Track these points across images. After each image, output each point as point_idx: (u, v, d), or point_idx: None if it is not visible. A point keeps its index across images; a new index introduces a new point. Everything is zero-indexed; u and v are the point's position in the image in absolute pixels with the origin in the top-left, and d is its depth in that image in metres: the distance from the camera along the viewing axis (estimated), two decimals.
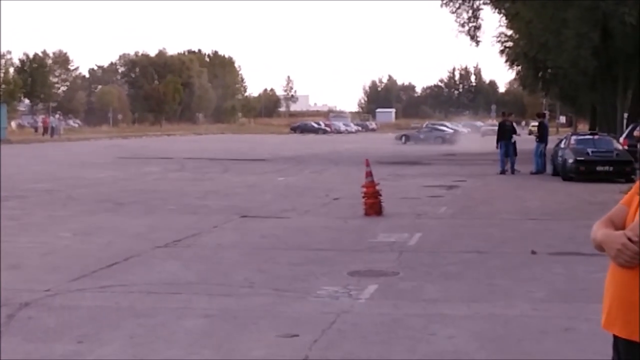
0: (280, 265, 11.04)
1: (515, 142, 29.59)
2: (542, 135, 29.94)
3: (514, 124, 31.42)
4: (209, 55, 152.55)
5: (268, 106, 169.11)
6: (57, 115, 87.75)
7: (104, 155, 43.62)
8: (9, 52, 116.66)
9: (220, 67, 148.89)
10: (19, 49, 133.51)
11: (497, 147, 29.81)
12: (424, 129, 77.93)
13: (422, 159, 40.05)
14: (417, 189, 22.73)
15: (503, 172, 28.84)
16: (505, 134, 29.60)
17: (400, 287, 9.59)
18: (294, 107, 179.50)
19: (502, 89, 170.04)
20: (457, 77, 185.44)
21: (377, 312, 8.36)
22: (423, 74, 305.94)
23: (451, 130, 77.21)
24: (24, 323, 7.85)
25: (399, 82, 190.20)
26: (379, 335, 7.52)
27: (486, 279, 10.08)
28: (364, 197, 16.59)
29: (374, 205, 16.43)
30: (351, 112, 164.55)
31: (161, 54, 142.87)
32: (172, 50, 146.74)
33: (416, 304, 8.72)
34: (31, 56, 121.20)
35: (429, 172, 30.31)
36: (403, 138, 71.74)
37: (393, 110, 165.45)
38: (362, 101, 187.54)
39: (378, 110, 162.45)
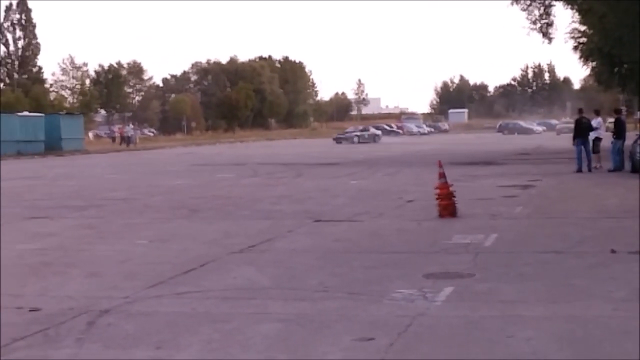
0: (354, 268, 11.02)
1: (599, 138, 29.20)
2: (619, 132, 29.34)
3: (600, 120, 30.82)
4: (279, 61, 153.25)
5: (340, 110, 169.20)
6: (131, 125, 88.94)
7: (178, 163, 44.12)
8: (85, 64, 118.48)
9: (291, 72, 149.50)
10: (94, 60, 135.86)
11: (573, 145, 29.40)
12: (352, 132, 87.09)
13: (495, 159, 39.70)
14: (491, 190, 22.53)
15: (580, 170, 28.44)
16: (581, 131, 29.20)
17: (477, 289, 9.50)
18: (365, 110, 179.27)
19: (577, 85, 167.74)
20: (530, 75, 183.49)
21: (453, 314, 8.29)
22: (495, 73, 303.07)
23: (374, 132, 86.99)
24: (103, 330, 7.96)
25: (471, 82, 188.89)
26: (456, 337, 7.46)
27: (564, 279, 9.93)
28: (437, 198, 16.49)
29: (448, 207, 16.32)
30: (423, 114, 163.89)
31: (232, 61, 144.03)
32: (243, 57, 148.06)
33: (493, 306, 8.62)
34: (106, 67, 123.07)
35: (503, 172, 30.02)
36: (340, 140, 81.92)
37: (465, 110, 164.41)
38: (434, 102, 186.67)
39: (450, 110, 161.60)
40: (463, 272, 10.54)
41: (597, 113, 31.48)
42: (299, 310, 8.58)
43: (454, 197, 16.53)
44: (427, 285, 9.67)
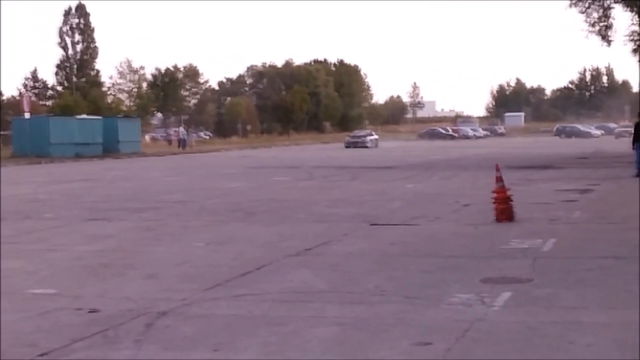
0: (411, 272, 10.98)
1: None
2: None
3: None
4: (334, 64, 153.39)
5: (394, 113, 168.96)
6: (181, 128, 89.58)
7: (234, 166, 44.32)
8: (142, 68, 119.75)
9: (346, 75, 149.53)
10: (151, 64, 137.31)
11: (632, 149, 28.99)
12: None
13: (553, 163, 39.33)
14: (549, 194, 22.33)
15: (639, 174, 28.05)
16: None
17: (535, 294, 9.40)
18: (420, 114, 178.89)
19: (635, 88, 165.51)
20: (588, 78, 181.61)
21: (512, 319, 8.21)
22: (552, 76, 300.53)
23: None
24: (162, 331, 8.01)
25: (528, 85, 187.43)
26: (515, 343, 7.38)
27: (624, 285, 9.79)
28: (494, 202, 16.37)
29: (505, 211, 16.19)
30: (479, 117, 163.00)
31: (288, 64, 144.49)
32: (298, 61, 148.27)
33: (552, 311, 8.53)
34: (163, 71, 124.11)
35: (561, 176, 29.73)
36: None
37: (522, 114, 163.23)
38: (490, 105, 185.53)
39: (506, 114, 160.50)
40: (521, 277, 10.44)
41: None
42: (355, 314, 8.56)
43: (512, 201, 16.39)
44: (484, 290, 9.60)
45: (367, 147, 78.62)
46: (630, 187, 24.36)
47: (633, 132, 29.94)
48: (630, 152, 29.72)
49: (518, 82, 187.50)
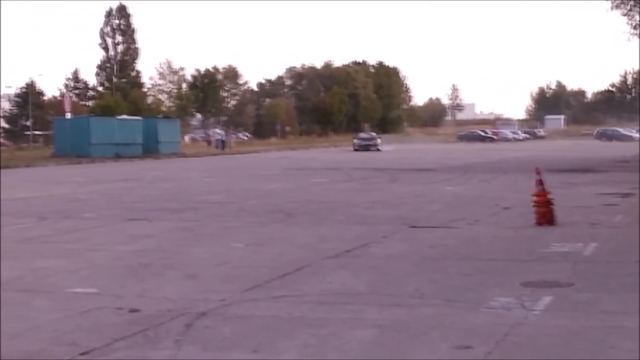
0: (450, 275, 10.93)
1: None
2: None
3: None
4: (374, 66, 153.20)
5: (434, 115, 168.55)
6: (217, 129, 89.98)
7: (273, 167, 44.41)
8: (182, 69, 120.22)
9: (386, 77, 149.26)
10: (191, 65, 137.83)
11: None
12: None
13: (594, 166, 39.02)
14: (590, 197, 22.14)
15: None
16: None
17: (576, 299, 9.33)
18: (460, 116, 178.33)
19: None
20: (629, 81, 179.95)
21: (552, 324, 8.15)
22: (594, 79, 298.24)
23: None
24: (201, 332, 8.04)
25: (569, 88, 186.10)
26: (555, 348, 7.33)
27: None
28: (535, 205, 16.27)
29: (545, 214, 16.08)
30: (519, 120, 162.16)
31: (327, 65, 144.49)
32: (338, 62, 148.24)
33: (593, 316, 8.46)
34: (203, 72, 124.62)
35: (602, 180, 29.48)
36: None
37: (562, 116, 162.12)
38: (530, 108, 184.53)
39: (547, 117, 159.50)
40: (562, 281, 10.37)
41: None
42: (395, 316, 8.54)
43: (552, 204, 16.28)
44: (525, 294, 9.54)
45: (379, 150, 77.09)
46: None
47: None
48: None
49: (559, 84, 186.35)
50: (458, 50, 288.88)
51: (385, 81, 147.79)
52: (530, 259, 12.22)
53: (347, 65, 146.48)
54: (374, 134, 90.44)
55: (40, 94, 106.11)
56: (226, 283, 10.57)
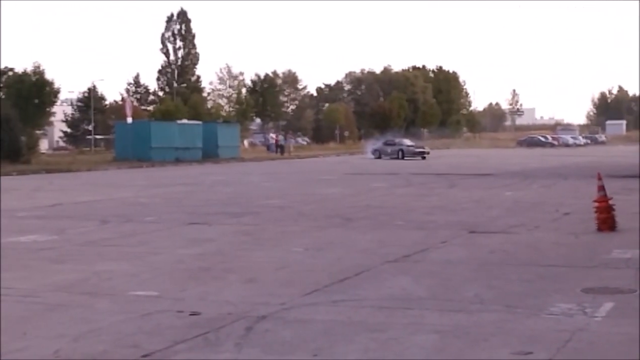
0: (510, 281, 10.87)
1: None
2: None
3: None
4: (433, 71, 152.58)
5: (493, 120, 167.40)
6: (272, 134, 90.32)
7: (331, 172, 44.46)
8: (242, 74, 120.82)
9: (445, 82, 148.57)
10: (250, 70, 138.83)
11: None
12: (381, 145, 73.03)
13: None
14: None
15: None
16: None
17: (638, 305, 9.22)
18: (519, 121, 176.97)
19: None
20: None
21: (614, 330, 8.07)
22: None
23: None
24: (261, 335, 8.08)
25: (630, 93, 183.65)
26: (617, 354, 7.26)
27: None
28: (596, 211, 16.10)
29: (607, 220, 15.91)
30: (579, 125, 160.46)
31: (386, 70, 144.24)
32: (397, 67, 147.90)
33: None
34: (262, 77, 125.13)
35: None
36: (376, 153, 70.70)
37: (624, 122, 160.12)
38: (591, 113, 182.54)
39: (608, 122, 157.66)
40: (624, 288, 10.26)
41: None
42: (455, 322, 8.52)
43: (614, 210, 16.10)
44: (586, 300, 9.45)
45: (424, 157, 66.51)
46: None
47: None
48: None
49: (620, 89, 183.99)
50: (518, 54, 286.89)
51: (444, 86, 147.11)
52: (591, 265, 12.11)
53: (406, 70, 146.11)
54: (405, 140, 75.11)
55: (102, 98, 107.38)
56: (286, 287, 10.62)
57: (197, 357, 7.38)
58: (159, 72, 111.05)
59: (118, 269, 12.23)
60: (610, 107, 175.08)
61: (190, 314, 9.02)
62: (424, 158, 66.34)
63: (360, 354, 7.38)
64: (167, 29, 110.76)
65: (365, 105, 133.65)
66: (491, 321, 8.53)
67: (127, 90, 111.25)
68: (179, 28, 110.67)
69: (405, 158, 66.99)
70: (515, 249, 13.87)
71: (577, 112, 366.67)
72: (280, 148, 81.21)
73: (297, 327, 8.39)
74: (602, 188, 16.13)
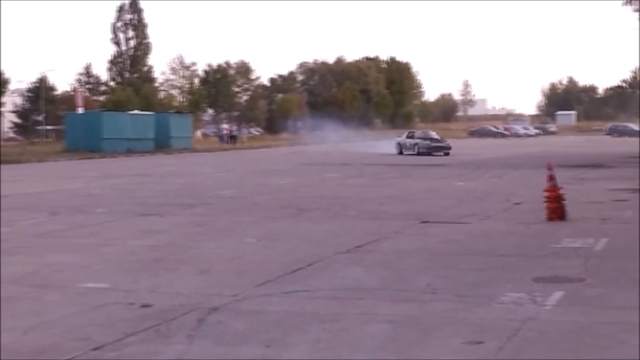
0: (462, 271, 10.94)
1: None
2: None
3: None
4: (386, 62, 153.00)
5: (445, 111, 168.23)
6: (225, 125, 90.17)
7: (285, 162, 44.43)
8: (194, 64, 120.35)
9: (397, 73, 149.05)
10: (203, 60, 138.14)
11: None
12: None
13: (605, 162, 38.94)
14: (601, 193, 22.12)
15: None
16: None
17: (588, 294, 9.33)
18: (471, 112, 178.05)
19: None
20: None
21: (564, 319, 8.16)
22: (605, 75, 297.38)
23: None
24: (213, 327, 8.06)
25: (580, 84, 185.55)
26: (567, 343, 7.34)
27: None
28: (546, 201, 16.26)
29: (557, 210, 16.07)
30: (530, 115, 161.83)
31: (339, 61, 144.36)
32: (350, 58, 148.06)
33: (605, 312, 8.46)
34: (215, 67, 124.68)
35: (613, 176, 29.41)
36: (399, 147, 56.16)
37: (574, 112, 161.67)
38: (541, 104, 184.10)
39: (558, 112, 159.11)
40: (573, 277, 10.37)
41: None
42: (407, 312, 8.56)
43: (564, 200, 16.27)
44: (536, 289, 9.55)
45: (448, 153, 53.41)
46: None
47: None
48: None
49: (570, 80, 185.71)
50: (470, 46, 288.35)
51: (397, 77, 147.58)
52: (541, 254, 12.22)
53: (359, 61, 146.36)
54: (433, 133, 62.03)
55: (52, 88, 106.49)
56: (238, 278, 10.60)
57: (148, 349, 7.34)
58: (111, 62, 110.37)
59: (69, 260, 12.13)
60: (560, 97, 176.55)
61: (142, 306, 8.97)
62: (447, 154, 53.31)
63: (313, 345, 7.39)
64: (118, 18, 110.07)
65: (318, 95, 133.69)
66: (443, 311, 8.59)
67: (78, 81, 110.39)
68: (131, 18, 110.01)
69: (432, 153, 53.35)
70: (466, 239, 13.96)
71: (528, 103, 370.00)
72: (233, 139, 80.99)
73: (249, 318, 8.38)
74: (552, 178, 16.29)
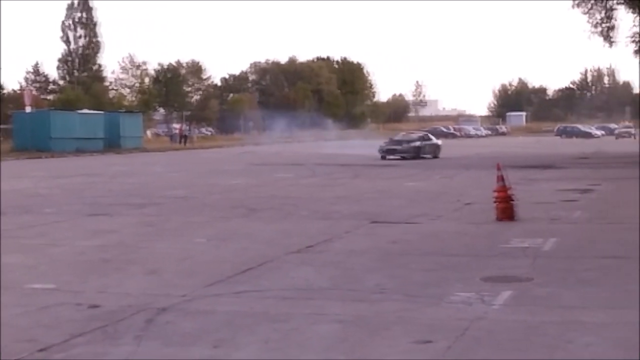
0: (412, 270, 10.98)
1: None
2: None
3: None
4: (338, 62, 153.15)
5: (397, 111, 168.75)
6: (176, 125, 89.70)
7: (236, 162, 44.32)
8: (145, 63, 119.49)
9: (350, 73, 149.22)
10: (154, 59, 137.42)
11: None
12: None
13: (555, 163, 39.33)
14: (550, 193, 22.34)
15: None
16: None
17: (535, 293, 9.41)
18: (423, 112, 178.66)
19: (637, 90, 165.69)
20: (589, 78, 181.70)
21: (512, 318, 8.22)
22: (555, 76, 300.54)
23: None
24: (162, 327, 8.01)
25: (530, 85, 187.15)
26: (515, 342, 7.39)
27: (625, 285, 9.79)
28: (496, 201, 16.38)
29: (506, 210, 16.20)
30: (481, 116, 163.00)
31: (291, 61, 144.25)
32: (302, 58, 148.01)
33: (552, 311, 8.53)
34: (166, 66, 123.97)
35: (562, 176, 29.73)
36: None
37: (524, 113, 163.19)
38: (492, 105, 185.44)
39: (509, 113, 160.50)
40: (522, 276, 10.45)
41: None
42: (356, 312, 8.57)
43: (513, 200, 16.40)
44: (485, 289, 9.61)
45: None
46: (630, 187, 24.34)
47: None
48: (628, 152, 29.73)
49: (520, 81, 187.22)
50: (422, 46, 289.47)
51: (349, 77, 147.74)
52: (490, 254, 12.31)
53: (312, 61, 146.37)
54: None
55: (0, 87, 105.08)
56: (188, 278, 10.55)
57: (95, 350, 7.28)
58: (60, 60, 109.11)
59: (15, 261, 11.98)
60: (510, 99, 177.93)
61: (90, 307, 8.89)
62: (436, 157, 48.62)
63: (262, 345, 7.37)
64: (67, 16, 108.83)
65: (270, 95, 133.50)
66: (392, 310, 8.61)
67: (27, 79, 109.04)
68: (80, 16, 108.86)
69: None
70: (417, 239, 14.02)
71: (479, 104, 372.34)
72: (184, 138, 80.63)
73: (198, 319, 8.34)
74: (501, 178, 16.42)
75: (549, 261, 11.60)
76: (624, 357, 6.92)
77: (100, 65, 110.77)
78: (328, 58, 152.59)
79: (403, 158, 46.43)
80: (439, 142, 50.27)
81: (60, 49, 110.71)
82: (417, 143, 48.41)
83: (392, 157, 47.04)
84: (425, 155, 46.87)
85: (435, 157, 47.39)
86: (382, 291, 9.59)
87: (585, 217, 16.97)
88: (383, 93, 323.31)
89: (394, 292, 9.55)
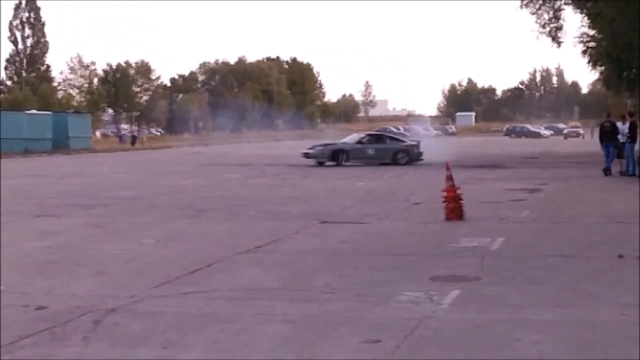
0: (361, 270, 11.01)
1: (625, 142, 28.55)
2: (633, 135, 28.73)
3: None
4: (287, 62, 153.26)
5: (347, 111, 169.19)
6: (124, 125, 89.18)
7: (185, 163, 44.11)
8: (93, 63, 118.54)
9: (299, 73, 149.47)
10: (102, 59, 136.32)
11: (601, 148, 29.66)
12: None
13: (503, 163, 39.63)
14: (498, 193, 22.50)
15: (605, 171, 28.48)
16: (606, 135, 29.30)
17: (483, 292, 9.48)
18: (372, 112, 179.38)
19: (584, 90, 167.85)
20: (538, 78, 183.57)
21: (459, 317, 8.28)
22: (503, 76, 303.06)
23: None
24: (110, 329, 7.96)
25: (479, 85, 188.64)
26: (462, 341, 7.44)
27: (572, 284, 9.90)
28: (444, 201, 16.47)
29: (455, 210, 16.30)
30: (430, 116, 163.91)
31: (241, 61, 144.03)
32: (251, 58, 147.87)
33: (500, 310, 8.60)
34: (114, 66, 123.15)
35: (511, 176, 29.96)
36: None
37: (473, 113, 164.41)
38: (442, 105, 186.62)
39: (458, 113, 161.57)
40: (470, 276, 10.52)
41: (631, 115, 31.12)
42: (305, 312, 8.58)
43: (461, 200, 16.50)
44: (433, 288, 9.66)
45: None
46: (578, 187, 24.65)
47: (599, 131, 30.46)
48: (576, 152, 30.07)
49: (469, 81, 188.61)
50: (371, 46, 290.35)
51: (298, 77, 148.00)
52: (439, 253, 12.38)
53: (261, 61, 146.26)
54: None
55: None
56: (136, 279, 10.49)
57: (42, 352, 7.22)
58: (7, 61, 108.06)
59: None
60: (459, 98, 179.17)
61: (37, 308, 8.81)
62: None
63: (210, 345, 7.35)
64: (15, 16, 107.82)
65: (219, 95, 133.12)
66: (341, 310, 8.63)
67: None
68: (28, 16, 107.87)
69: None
70: (366, 239, 14.05)
71: (429, 104, 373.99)
72: (132, 139, 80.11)
73: (146, 320, 8.29)
74: (450, 178, 16.52)
75: (497, 260, 11.70)
76: (571, 355, 7.00)
77: (48, 66, 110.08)
78: (277, 58, 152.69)
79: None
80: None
81: (7, 49, 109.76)
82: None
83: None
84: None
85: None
86: (331, 291, 9.61)
87: (533, 217, 17.12)
88: (333, 93, 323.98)
89: (343, 291, 9.56)
